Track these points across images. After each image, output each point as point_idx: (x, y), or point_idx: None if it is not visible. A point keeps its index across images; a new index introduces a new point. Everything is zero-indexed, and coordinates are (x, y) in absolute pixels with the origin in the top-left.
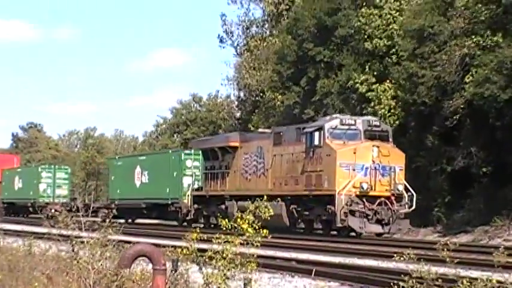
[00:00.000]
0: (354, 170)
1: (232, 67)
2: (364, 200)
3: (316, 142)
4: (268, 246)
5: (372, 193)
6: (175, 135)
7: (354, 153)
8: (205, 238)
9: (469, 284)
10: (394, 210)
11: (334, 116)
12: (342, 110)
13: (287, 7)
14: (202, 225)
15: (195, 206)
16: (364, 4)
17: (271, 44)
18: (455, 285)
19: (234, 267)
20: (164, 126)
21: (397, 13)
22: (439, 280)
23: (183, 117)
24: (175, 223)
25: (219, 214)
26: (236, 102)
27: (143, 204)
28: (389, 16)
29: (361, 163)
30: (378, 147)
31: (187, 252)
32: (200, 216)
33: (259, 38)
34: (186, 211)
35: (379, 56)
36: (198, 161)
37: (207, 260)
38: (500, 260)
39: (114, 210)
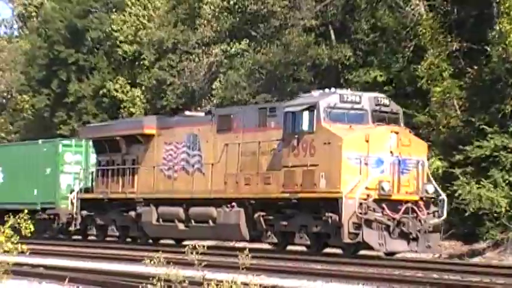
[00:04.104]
0: (366, 164)
1: None
2: (384, 205)
3: (305, 126)
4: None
5: (395, 197)
6: None
7: (367, 141)
8: None
9: (216, 285)
10: (422, 221)
11: (329, 91)
12: (96, 114)
13: (36, 8)
14: (94, 237)
15: (84, 212)
16: (115, 9)
17: (19, 45)
18: (202, 287)
19: None
20: None
21: (146, 19)
22: (186, 282)
23: None
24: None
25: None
26: None
27: None
28: (138, 23)
29: (376, 155)
30: (397, 133)
31: None
32: (92, 225)
33: (7, 39)
34: (66, 219)
35: (130, 61)
36: (82, 154)
37: None
38: (244, 262)
39: None
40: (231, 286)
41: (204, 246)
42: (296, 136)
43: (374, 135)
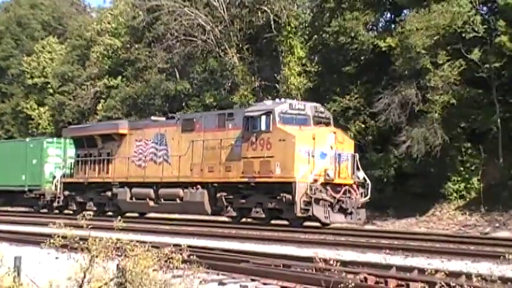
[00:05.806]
0: (313, 156)
1: None
2: (328, 188)
3: (263, 127)
4: None
5: (336, 181)
6: None
7: (313, 138)
8: None
9: (98, 240)
10: (354, 199)
11: (279, 100)
12: (13, 125)
13: None
14: (72, 212)
15: (66, 192)
16: (26, 54)
17: None
18: (88, 241)
19: None
20: None
21: (50, 60)
22: (77, 238)
23: None
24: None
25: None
26: None
27: None
28: (44, 63)
29: (320, 149)
30: (335, 133)
31: None
32: (71, 202)
33: None
34: (50, 198)
35: (38, 89)
36: (61, 148)
37: None
38: (118, 225)
39: None
40: (108, 240)
41: (90, 215)
42: (254, 134)
43: (318, 134)
